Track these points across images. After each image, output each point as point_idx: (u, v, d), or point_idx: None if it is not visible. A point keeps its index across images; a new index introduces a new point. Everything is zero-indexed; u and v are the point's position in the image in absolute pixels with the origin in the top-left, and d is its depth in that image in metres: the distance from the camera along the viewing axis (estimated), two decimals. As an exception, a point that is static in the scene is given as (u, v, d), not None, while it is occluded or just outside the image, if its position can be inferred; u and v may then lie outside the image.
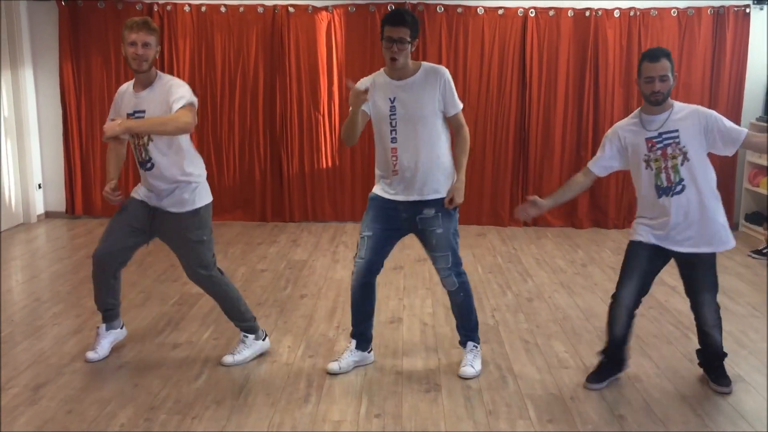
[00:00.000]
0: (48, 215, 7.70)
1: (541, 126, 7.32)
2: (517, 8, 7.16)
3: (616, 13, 7.13)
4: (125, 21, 3.58)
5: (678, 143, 3.39)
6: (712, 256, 3.50)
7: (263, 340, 3.98)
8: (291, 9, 7.19)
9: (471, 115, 7.34)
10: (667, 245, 3.46)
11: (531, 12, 7.15)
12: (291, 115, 7.35)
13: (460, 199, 3.60)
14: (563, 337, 4.34)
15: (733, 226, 7.37)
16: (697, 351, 3.80)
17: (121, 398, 3.46)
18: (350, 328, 3.88)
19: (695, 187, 3.39)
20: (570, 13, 7.15)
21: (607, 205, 7.42)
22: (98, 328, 3.97)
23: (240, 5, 7.21)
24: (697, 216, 3.40)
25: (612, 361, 3.69)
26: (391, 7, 7.15)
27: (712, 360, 3.70)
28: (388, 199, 3.63)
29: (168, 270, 5.59)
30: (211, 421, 3.25)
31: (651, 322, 4.58)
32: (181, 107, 3.45)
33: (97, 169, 7.51)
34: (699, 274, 3.51)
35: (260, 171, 7.50)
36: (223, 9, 7.22)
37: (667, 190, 3.41)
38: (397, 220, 3.66)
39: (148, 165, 3.63)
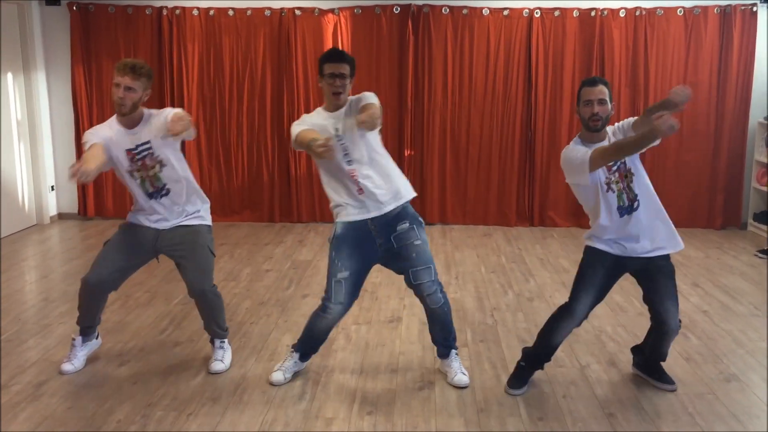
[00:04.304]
0: (61, 216, 7.83)
1: (547, 126, 7.33)
2: (523, 9, 7.18)
3: (622, 13, 7.12)
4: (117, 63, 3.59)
5: (625, 164, 3.41)
6: (669, 264, 3.51)
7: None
8: (298, 12, 7.27)
9: (477, 116, 7.37)
10: (631, 253, 3.44)
11: (536, 12, 7.16)
12: (298, 116, 7.34)
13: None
14: (560, 337, 4.36)
15: (742, 226, 7.38)
16: (635, 350, 3.80)
17: (120, 395, 3.54)
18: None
19: (647, 197, 3.42)
20: (575, 14, 7.16)
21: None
22: (74, 339, 3.89)
23: (247, 8, 7.30)
24: (657, 221, 3.44)
25: (534, 363, 3.68)
26: (396, 9, 7.21)
27: (654, 362, 3.69)
28: (362, 221, 3.50)
29: (175, 270, 5.61)
30: (206, 418, 3.32)
31: (649, 322, 4.57)
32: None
33: (109, 172, 7.60)
34: (661, 282, 3.47)
35: (268, 172, 7.58)
36: (230, 12, 7.31)
37: (629, 208, 3.41)
38: (374, 249, 3.54)
39: (163, 192, 3.66)
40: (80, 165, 3.22)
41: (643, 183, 3.43)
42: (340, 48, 7.27)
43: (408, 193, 3.60)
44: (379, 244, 3.54)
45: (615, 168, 3.40)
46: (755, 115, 7.26)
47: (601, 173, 3.39)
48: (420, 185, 7.51)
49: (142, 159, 3.62)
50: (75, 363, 3.85)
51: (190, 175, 3.79)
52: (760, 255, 6.29)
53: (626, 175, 3.40)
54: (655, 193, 3.48)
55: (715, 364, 3.97)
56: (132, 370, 3.85)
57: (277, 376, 3.69)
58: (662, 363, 3.72)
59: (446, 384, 3.68)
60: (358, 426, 3.26)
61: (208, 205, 3.89)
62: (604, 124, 3.40)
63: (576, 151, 3.39)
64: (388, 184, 3.53)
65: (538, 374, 3.78)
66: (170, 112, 3.59)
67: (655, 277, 3.48)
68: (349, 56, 3.55)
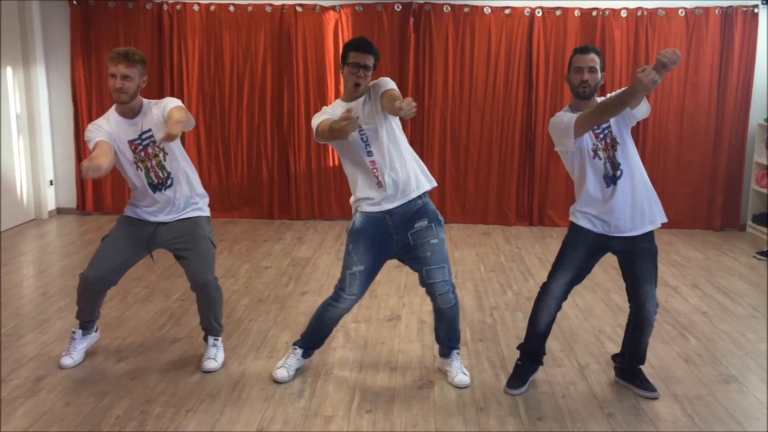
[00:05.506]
0: (59, 211, 7.82)
1: (547, 126, 7.30)
2: (524, 8, 7.17)
3: (623, 13, 7.12)
4: (109, 53, 3.55)
5: (611, 132, 3.39)
6: (653, 246, 3.50)
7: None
8: (299, 8, 7.26)
9: (477, 115, 7.37)
10: (615, 232, 3.43)
11: (538, 12, 7.16)
12: (298, 113, 7.41)
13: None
14: (560, 336, 4.36)
15: (741, 227, 7.38)
16: (616, 356, 3.78)
17: (119, 391, 3.53)
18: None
19: (631, 166, 3.40)
20: (577, 13, 7.16)
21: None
22: (73, 333, 3.88)
23: (248, 4, 7.29)
24: (640, 192, 3.41)
25: (529, 357, 3.67)
26: (398, 6, 7.20)
27: (633, 363, 3.65)
28: (380, 215, 3.48)
29: (173, 266, 5.64)
30: (205, 415, 3.31)
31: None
32: (174, 106, 3.52)
33: (107, 166, 7.61)
34: (643, 266, 3.47)
35: (268, 169, 7.57)
36: (231, 8, 7.30)
37: (613, 177, 3.40)
38: (390, 244, 3.52)
39: (167, 184, 3.64)
40: (90, 161, 3.19)
41: (628, 153, 3.41)
42: (341, 46, 7.26)
43: (428, 181, 3.57)
44: (396, 239, 3.52)
45: (602, 136, 3.39)
46: (755, 117, 7.27)
47: (588, 140, 3.40)
48: (419, 183, 7.50)
49: (145, 148, 3.59)
50: (74, 356, 3.84)
51: (191, 166, 3.78)
52: (759, 256, 6.29)
53: (612, 145, 3.39)
54: (641, 165, 3.46)
55: (714, 365, 3.97)
56: (130, 366, 3.84)
57: (281, 373, 3.67)
58: (642, 366, 3.67)
59: (445, 383, 3.68)
60: (357, 424, 3.26)
61: (207, 199, 3.87)
62: (593, 92, 3.39)
63: (562, 117, 3.42)
64: (406, 175, 3.48)
65: (537, 374, 3.78)
66: (170, 104, 3.56)
67: (637, 260, 3.47)
68: (376, 48, 3.49)
